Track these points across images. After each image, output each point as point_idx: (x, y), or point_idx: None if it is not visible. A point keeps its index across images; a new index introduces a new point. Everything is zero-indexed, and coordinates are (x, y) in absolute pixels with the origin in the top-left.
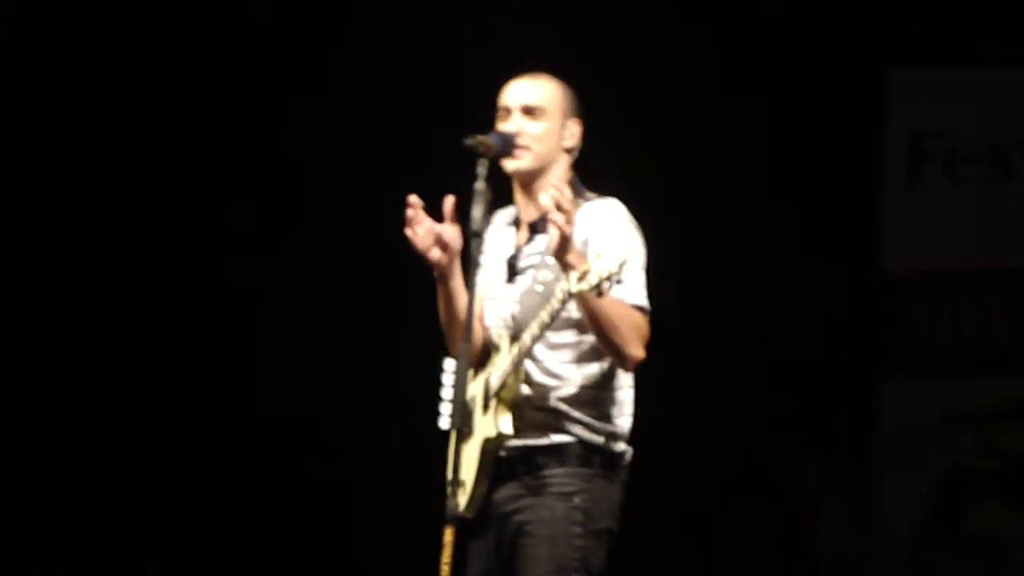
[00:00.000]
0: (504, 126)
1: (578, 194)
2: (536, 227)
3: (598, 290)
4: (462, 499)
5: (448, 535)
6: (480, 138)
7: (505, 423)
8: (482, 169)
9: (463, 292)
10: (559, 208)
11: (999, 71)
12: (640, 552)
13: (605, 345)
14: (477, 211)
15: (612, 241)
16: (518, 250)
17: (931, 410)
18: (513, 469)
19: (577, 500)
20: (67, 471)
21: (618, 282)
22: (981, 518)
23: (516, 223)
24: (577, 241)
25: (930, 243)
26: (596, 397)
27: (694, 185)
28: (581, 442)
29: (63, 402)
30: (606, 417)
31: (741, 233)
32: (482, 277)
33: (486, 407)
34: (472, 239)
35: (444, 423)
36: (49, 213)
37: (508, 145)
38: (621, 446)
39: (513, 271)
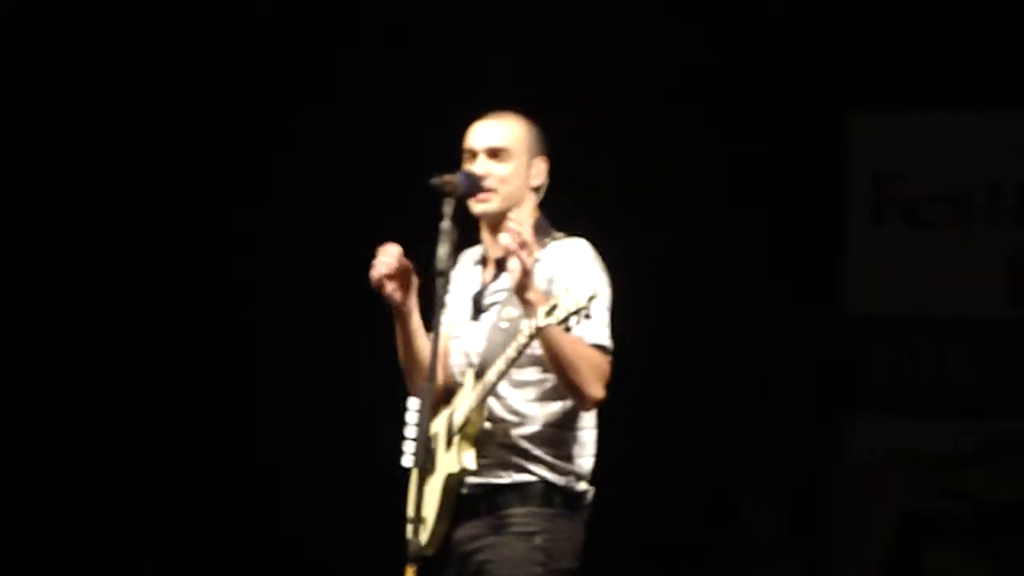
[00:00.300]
0: (472, 167)
1: (545, 233)
2: (503, 264)
3: (566, 325)
4: (424, 536)
5: (410, 574)
6: (446, 178)
7: (468, 458)
8: (448, 208)
9: (422, 330)
10: (521, 245)
11: (962, 115)
12: None
13: (564, 384)
14: (443, 250)
15: (578, 278)
16: (483, 287)
17: (892, 451)
18: (474, 507)
19: (538, 540)
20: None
21: (586, 317)
22: (940, 561)
23: (483, 261)
24: (542, 279)
25: (892, 286)
26: (559, 436)
27: (659, 227)
28: (543, 481)
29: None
30: (568, 456)
31: (706, 275)
32: (447, 316)
33: (449, 443)
34: (437, 278)
35: (407, 461)
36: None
37: (474, 185)
38: (583, 485)
39: (478, 308)
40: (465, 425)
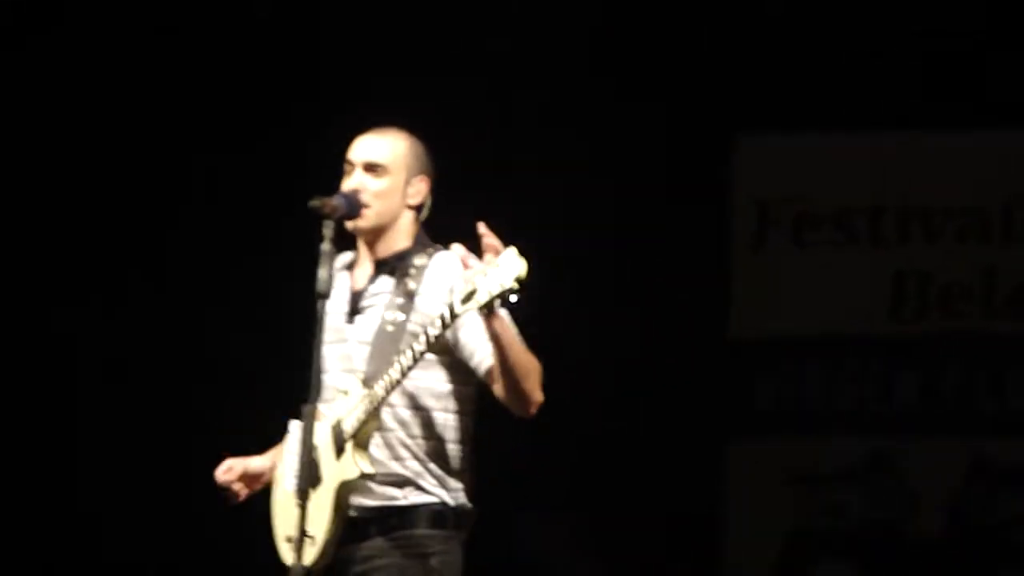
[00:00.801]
0: (347, 182)
1: (422, 248)
2: (382, 267)
3: (489, 308)
4: (312, 554)
5: None
6: (325, 200)
7: (365, 463)
8: (328, 231)
9: (261, 464)
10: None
11: (845, 136)
12: None
13: (514, 392)
14: (323, 272)
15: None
16: (361, 289)
17: (777, 472)
18: (367, 529)
19: (433, 561)
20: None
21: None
22: None
23: (350, 266)
24: (443, 288)
25: (777, 308)
26: (449, 451)
27: (541, 253)
28: (440, 502)
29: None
30: (458, 473)
31: (588, 300)
32: (328, 327)
33: (340, 451)
34: (319, 300)
35: (289, 484)
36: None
37: (354, 206)
38: (469, 505)
39: (354, 310)
40: (358, 431)
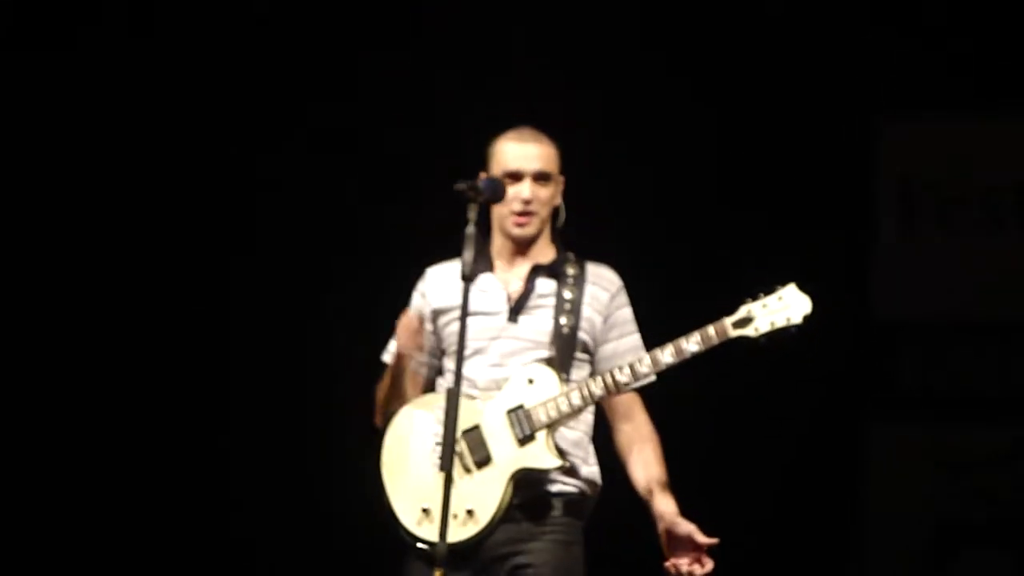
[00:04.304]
0: (516, 191)
1: (566, 256)
2: (540, 270)
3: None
4: (470, 529)
5: None
6: (470, 184)
7: (557, 457)
8: (472, 214)
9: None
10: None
11: (991, 120)
12: None
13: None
14: (468, 255)
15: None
16: (524, 292)
17: (921, 458)
18: (512, 513)
19: (575, 550)
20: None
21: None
22: (972, 567)
23: (477, 271)
24: (601, 299)
25: (921, 293)
26: (583, 444)
27: (684, 235)
28: (580, 492)
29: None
30: (591, 464)
31: (732, 283)
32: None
33: (527, 438)
34: (464, 283)
35: (429, 458)
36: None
37: (498, 191)
38: (594, 497)
39: (518, 310)
40: (555, 423)
